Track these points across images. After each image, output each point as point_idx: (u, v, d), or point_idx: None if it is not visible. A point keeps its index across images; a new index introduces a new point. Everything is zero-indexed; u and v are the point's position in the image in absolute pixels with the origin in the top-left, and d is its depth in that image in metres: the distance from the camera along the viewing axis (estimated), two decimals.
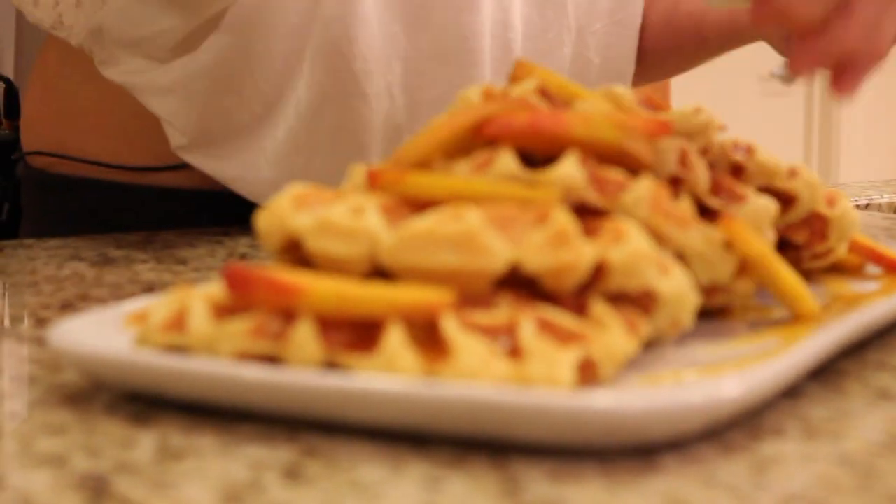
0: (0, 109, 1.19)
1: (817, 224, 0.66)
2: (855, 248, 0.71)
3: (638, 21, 1.22)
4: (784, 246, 0.65)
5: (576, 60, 1.18)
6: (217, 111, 1.00)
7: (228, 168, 1.02)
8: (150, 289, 0.76)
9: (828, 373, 0.55)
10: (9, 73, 1.35)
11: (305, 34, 0.98)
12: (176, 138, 1.02)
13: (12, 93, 1.18)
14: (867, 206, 1.36)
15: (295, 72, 0.99)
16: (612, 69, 1.21)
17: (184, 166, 1.04)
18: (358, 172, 0.57)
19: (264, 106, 1.00)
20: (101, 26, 1.01)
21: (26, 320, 0.66)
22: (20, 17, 1.16)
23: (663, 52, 1.26)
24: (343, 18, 0.98)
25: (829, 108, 4.31)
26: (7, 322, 0.66)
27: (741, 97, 4.08)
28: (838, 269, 0.71)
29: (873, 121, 4.35)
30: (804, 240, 0.66)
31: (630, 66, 1.23)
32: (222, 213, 1.06)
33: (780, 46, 1.05)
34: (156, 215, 1.06)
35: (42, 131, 1.11)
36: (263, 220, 0.54)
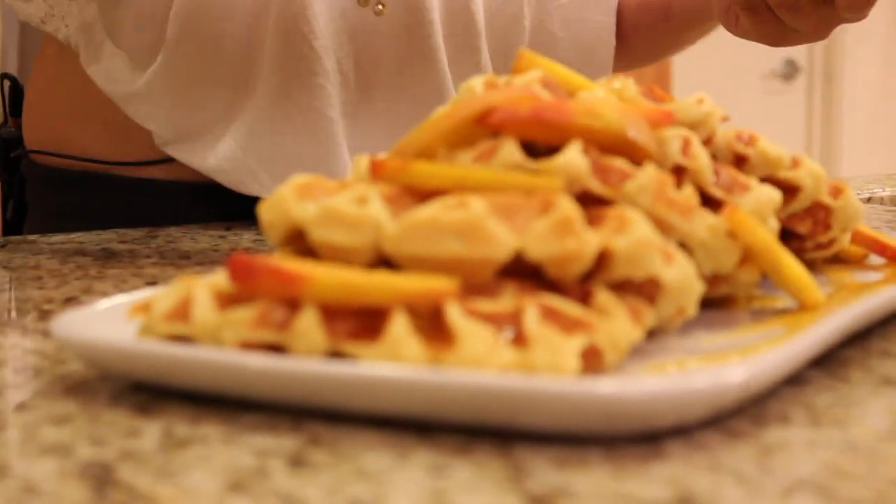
0: (6, 108, 1.19)
1: (820, 214, 0.66)
2: (857, 238, 0.71)
3: None
4: (787, 236, 0.65)
5: (537, 33, 1.16)
6: (187, 107, 1.02)
7: (208, 159, 1.03)
8: (153, 283, 0.76)
9: (832, 361, 0.55)
10: (13, 71, 1.35)
11: (263, 15, 0.99)
12: (157, 136, 1.03)
13: (17, 91, 1.19)
14: (869, 200, 1.36)
15: (258, 56, 1.00)
16: (582, 46, 1.19)
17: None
18: (361, 162, 0.57)
19: (233, 93, 1.01)
20: (91, 19, 1.01)
21: (31, 313, 0.66)
22: None
23: (634, 31, 1.25)
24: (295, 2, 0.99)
25: (831, 104, 4.31)
26: (12, 315, 0.66)
27: (743, 94, 4.08)
28: (840, 260, 0.71)
29: (874, 116, 4.35)
30: (807, 230, 0.66)
31: (605, 45, 1.21)
32: (225, 208, 1.06)
33: (723, 18, 1.04)
34: (159, 210, 1.07)
35: (42, 129, 1.12)
36: (267, 211, 0.54)
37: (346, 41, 1.03)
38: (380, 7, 0.91)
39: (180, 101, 1.02)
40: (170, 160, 1.06)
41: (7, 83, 1.19)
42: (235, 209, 1.06)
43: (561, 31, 1.18)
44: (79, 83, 1.07)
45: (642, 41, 1.26)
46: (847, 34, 4.16)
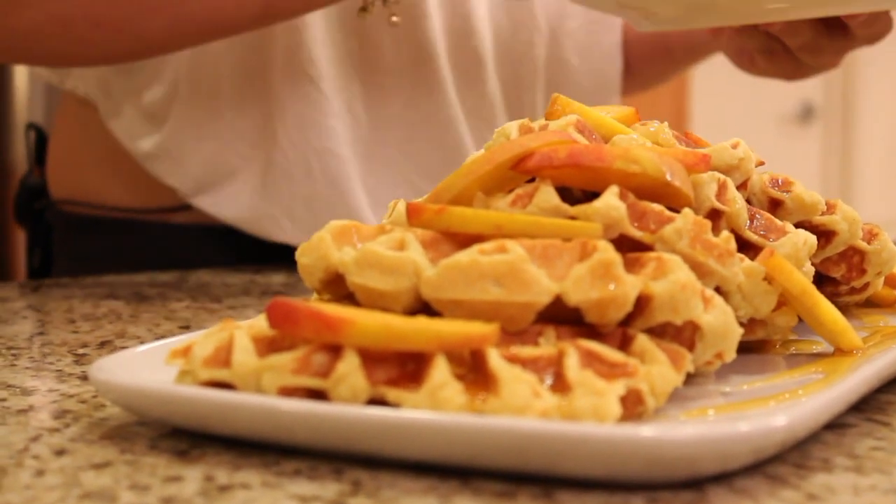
0: (31, 157, 1.20)
1: (855, 258, 0.66)
2: (890, 281, 0.70)
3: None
4: (820, 280, 0.65)
5: (551, 63, 1.17)
6: (203, 160, 1.02)
7: (230, 210, 1.04)
8: (186, 326, 0.76)
9: (870, 405, 0.54)
10: (40, 119, 1.36)
11: (267, 60, 1.00)
12: (179, 191, 1.04)
13: (42, 140, 1.19)
14: None
15: (268, 104, 1.01)
16: (595, 70, 1.20)
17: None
18: (398, 207, 0.58)
19: (248, 143, 1.02)
20: (108, 77, 1.03)
21: (66, 357, 0.66)
22: None
23: (637, 60, 1.25)
24: (298, 45, 0.99)
25: (847, 147, 4.30)
26: (47, 359, 0.67)
27: (759, 137, 4.08)
28: (873, 303, 0.71)
29: (891, 159, 4.34)
30: (841, 274, 0.66)
31: (614, 66, 1.21)
32: (254, 250, 1.07)
33: (736, 59, 1.05)
34: (189, 254, 1.07)
35: (67, 179, 1.12)
36: (305, 255, 0.54)
37: (354, 80, 1.03)
38: (394, 19, 0.92)
39: (196, 155, 1.03)
40: (189, 207, 1.06)
41: (32, 133, 1.19)
42: (264, 252, 1.06)
43: (574, 57, 1.18)
44: (101, 135, 1.08)
45: (645, 69, 1.27)
46: (863, 76, 4.16)
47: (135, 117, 1.05)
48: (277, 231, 1.04)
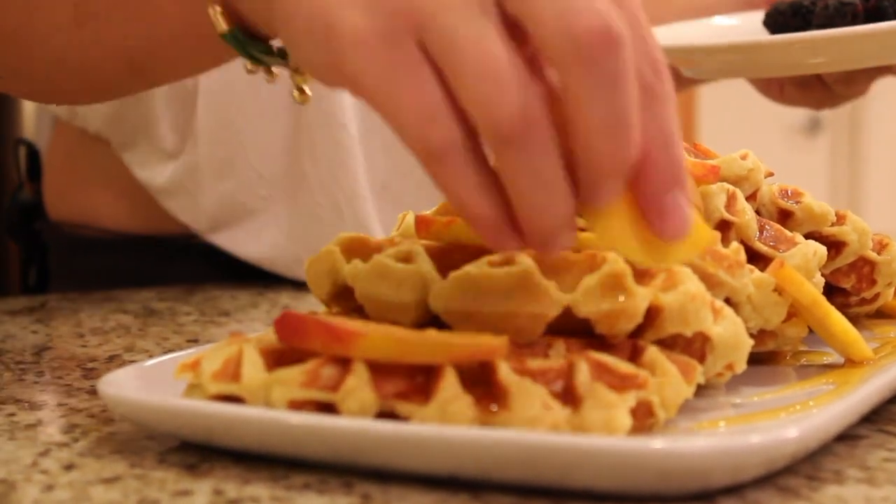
0: (23, 174, 1.19)
1: (865, 269, 0.65)
2: None
3: None
4: (830, 291, 0.65)
5: None
6: (220, 200, 1.02)
7: (251, 249, 1.03)
8: (194, 340, 0.76)
9: (882, 416, 0.54)
10: (30, 135, 1.35)
11: (296, 110, 1.00)
12: (196, 225, 1.04)
13: (34, 156, 1.19)
14: None
15: (296, 148, 1.01)
16: None
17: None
18: (407, 219, 0.58)
19: (268, 187, 1.02)
20: (120, 111, 1.02)
21: (75, 372, 0.66)
22: None
23: None
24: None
25: (855, 159, 4.29)
26: (55, 373, 0.67)
27: (766, 149, 4.06)
28: (883, 314, 0.71)
29: None
30: (851, 285, 0.65)
31: None
32: (257, 273, 1.07)
33: (764, 88, 1.05)
34: (193, 271, 1.07)
35: (65, 199, 1.12)
36: (313, 268, 0.54)
37: (374, 128, 1.03)
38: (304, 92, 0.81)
39: (213, 192, 1.02)
40: (196, 236, 1.06)
41: (23, 149, 1.18)
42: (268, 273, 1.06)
43: None
44: (105, 159, 1.07)
45: None
46: (870, 89, 4.15)
47: (149, 151, 1.04)
48: (301, 271, 1.03)
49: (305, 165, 1.01)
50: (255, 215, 1.03)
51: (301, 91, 0.59)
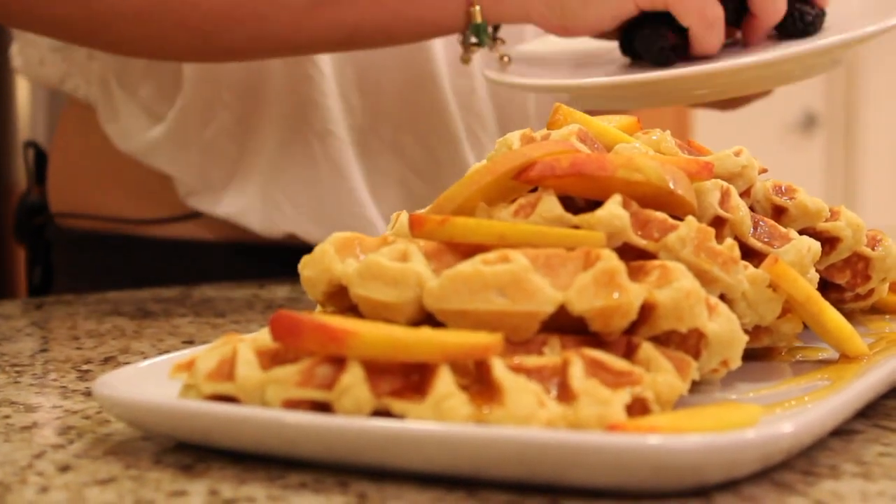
0: (31, 175, 1.19)
1: (859, 265, 0.65)
2: (895, 287, 0.70)
3: None
4: (825, 287, 0.65)
5: None
6: (207, 149, 1.03)
7: (235, 203, 1.04)
8: (190, 341, 0.76)
9: (876, 412, 0.54)
10: (42, 138, 1.36)
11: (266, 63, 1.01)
12: (181, 188, 1.04)
13: (42, 159, 1.19)
14: None
15: (267, 90, 1.02)
16: None
17: (200, 214, 1.05)
18: (401, 218, 0.58)
19: (245, 131, 1.03)
20: (108, 75, 1.03)
21: (70, 373, 0.66)
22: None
23: None
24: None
25: (850, 156, 4.30)
26: (51, 376, 0.67)
27: (761, 147, 4.07)
28: (878, 310, 0.71)
29: (893, 164, 4.34)
30: (846, 281, 0.65)
31: None
32: (256, 265, 1.07)
33: None
34: (191, 269, 1.07)
35: (66, 191, 1.12)
36: (308, 267, 0.54)
37: (349, 66, 1.04)
38: (506, 59, 0.93)
39: (200, 144, 1.03)
40: (191, 216, 1.06)
41: (31, 151, 1.19)
42: (266, 266, 1.06)
43: None
44: (100, 144, 1.08)
45: None
46: (865, 84, 4.16)
47: (135, 115, 1.05)
48: (282, 219, 1.04)
49: (279, 106, 1.02)
50: (234, 164, 1.04)
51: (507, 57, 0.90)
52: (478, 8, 0.86)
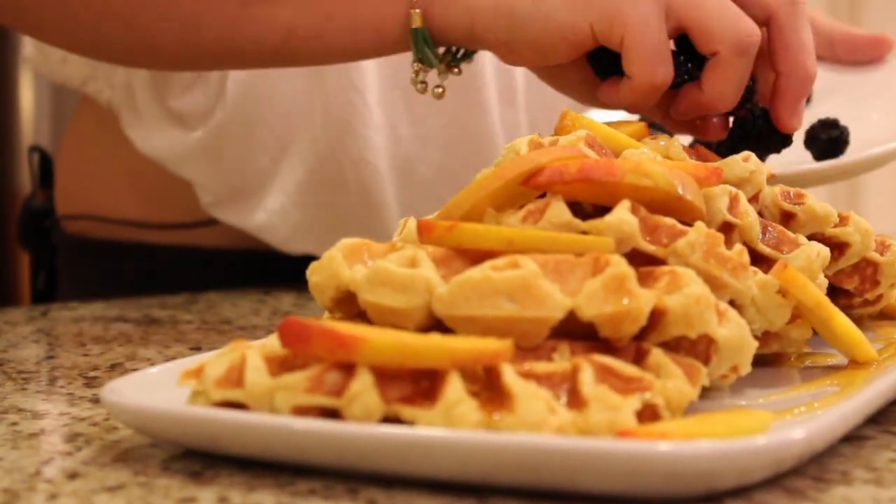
0: (35, 180, 1.19)
1: (868, 270, 0.65)
2: None
3: None
4: (834, 292, 0.65)
5: None
6: (238, 162, 1.02)
7: (256, 215, 1.03)
8: (197, 348, 0.76)
9: (887, 417, 0.54)
10: (46, 142, 1.35)
11: (314, 80, 1.00)
12: (204, 196, 1.03)
13: (47, 163, 1.19)
14: None
15: (307, 113, 1.00)
16: None
17: (215, 222, 1.05)
18: (409, 224, 0.57)
19: (281, 150, 1.02)
20: (137, 82, 1.02)
21: (77, 380, 0.66)
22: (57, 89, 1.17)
23: None
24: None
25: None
26: (58, 383, 0.66)
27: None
28: (886, 315, 0.71)
29: None
30: (855, 286, 0.65)
31: None
32: (262, 272, 1.06)
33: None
34: (197, 277, 1.07)
35: (75, 193, 1.12)
36: (316, 273, 0.54)
37: (398, 96, 1.02)
38: (439, 90, 0.88)
39: (232, 156, 1.02)
40: (206, 223, 1.06)
41: (36, 156, 1.19)
42: (273, 272, 1.06)
43: None
44: (115, 146, 1.07)
45: None
46: None
47: (163, 122, 1.03)
48: (298, 242, 1.03)
49: (316, 129, 1.01)
50: (266, 178, 1.03)
51: (441, 89, 0.80)
52: (418, 10, 0.75)
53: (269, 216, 1.03)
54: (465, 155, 1.05)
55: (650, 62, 0.68)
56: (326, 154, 1.01)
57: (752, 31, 0.68)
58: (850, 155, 0.83)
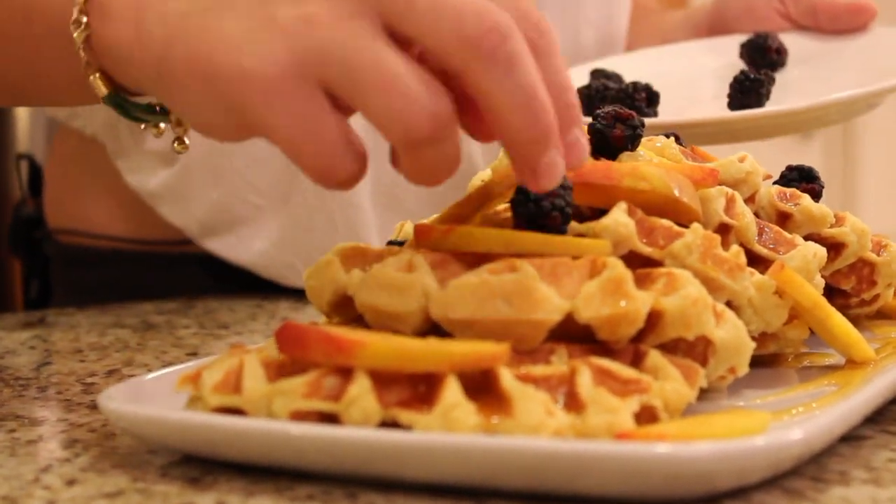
0: (24, 188, 1.19)
1: (864, 270, 0.65)
2: None
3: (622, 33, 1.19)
4: (830, 293, 0.65)
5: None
6: (211, 207, 1.02)
7: (242, 255, 1.03)
8: (194, 353, 0.76)
9: (885, 417, 0.54)
10: (39, 152, 1.34)
11: None
12: (188, 231, 1.03)
13: (36, 171, 1.18)
14: None
15: (281, 159, 1.00)
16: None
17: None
18: (406, 228, 0.57)
19: (262, 194, 1.02)
20: (116, 120, 1.02)
21: (74, 387, 0.66)
22: None
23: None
24: None
25: (849, 162, 4.29)
26: (55, 389, 0.66)
27: (760, 151, 4.06)
28: (883, 315, 0.71)
29: (893, 169, 4.34)
30: (851, 286, 0.65)
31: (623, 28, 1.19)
32: (258, 278, 1.06)
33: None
34: (192, 283, 1.07)
35: (64, 207, 1.11)
36: (313, 278, 0.54)
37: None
38: (179, 146, 0.61)
39: (204, 199, 1.02)
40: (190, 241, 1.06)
41: (25, 164, 1.18)
42: (268, 283, 1.06)
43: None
44: (103, 165, 1.07)
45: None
46: None
47: (142, 157, 1.04)
48: (293, 277, 1.03)
49: (297, 174, 1.01)
50: (245, 223, 1.03)
51: (181, 142, 0.61)
52: (97, 75, 0.57)
53: (251, 256, 1.03)
54: (448, 182, 1.05)
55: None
56: (313, 198, 1.01)
57: (420, 125, 0.47)
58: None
